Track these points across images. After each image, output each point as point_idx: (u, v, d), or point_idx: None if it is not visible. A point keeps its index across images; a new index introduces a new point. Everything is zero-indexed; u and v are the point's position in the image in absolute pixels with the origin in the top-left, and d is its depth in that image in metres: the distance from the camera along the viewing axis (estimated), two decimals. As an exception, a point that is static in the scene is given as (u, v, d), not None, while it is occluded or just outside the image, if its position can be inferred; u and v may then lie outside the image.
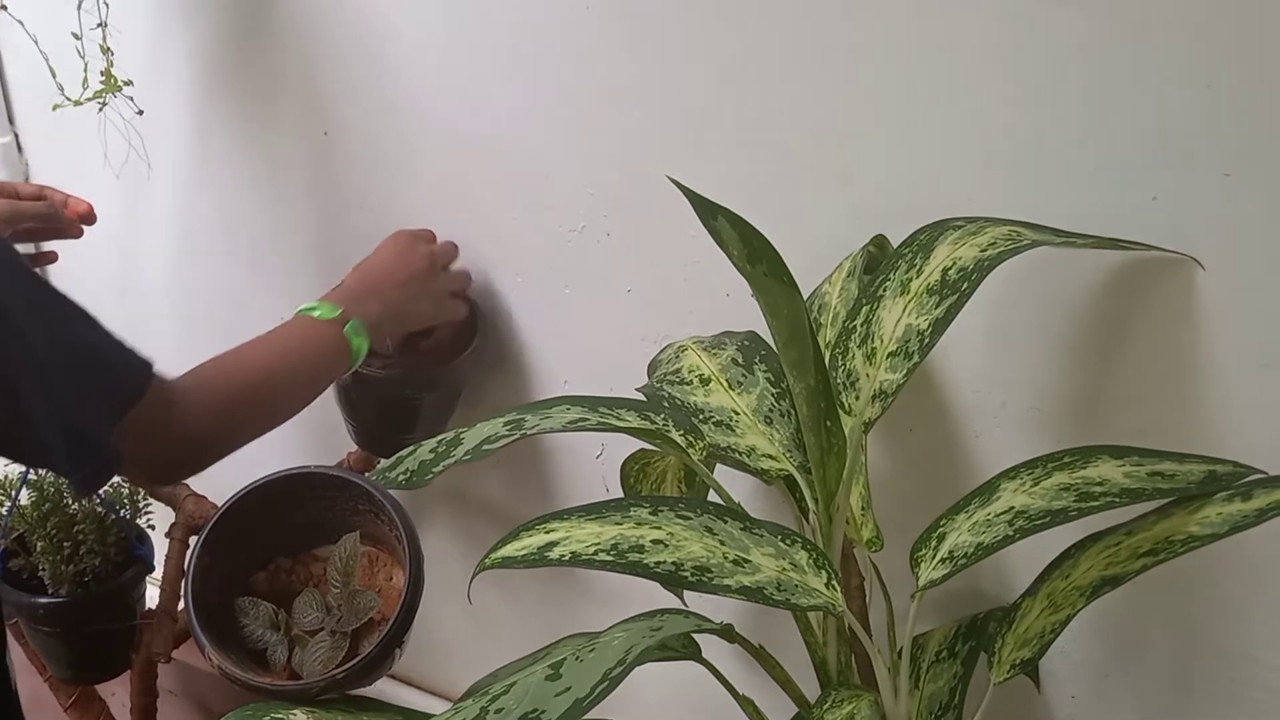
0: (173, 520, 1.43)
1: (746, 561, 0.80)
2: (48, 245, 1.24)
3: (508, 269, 1.31)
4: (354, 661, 1.15)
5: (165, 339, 1.66)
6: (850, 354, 0.90)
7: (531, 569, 0.81)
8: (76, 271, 1.44)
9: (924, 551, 0.87)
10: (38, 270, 0.97)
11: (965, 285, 0.85)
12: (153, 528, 1.46)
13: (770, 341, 0.86)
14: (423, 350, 1.29)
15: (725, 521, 0.83)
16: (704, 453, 0.91)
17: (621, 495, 1.09)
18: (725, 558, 0.79)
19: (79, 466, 0.85)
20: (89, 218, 1.21)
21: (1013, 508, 0.85)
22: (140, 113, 1.43)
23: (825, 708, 0.83)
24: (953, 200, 0.97)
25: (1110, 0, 0.87)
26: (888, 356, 0.88)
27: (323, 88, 1.36)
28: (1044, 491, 0.85)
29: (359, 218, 1.33)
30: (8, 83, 1.69)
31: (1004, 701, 0.93)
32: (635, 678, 0.71)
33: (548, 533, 0.82)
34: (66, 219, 1.19)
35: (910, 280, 0.89)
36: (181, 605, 1.35)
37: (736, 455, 0.93)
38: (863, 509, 0.99)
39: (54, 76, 1.38)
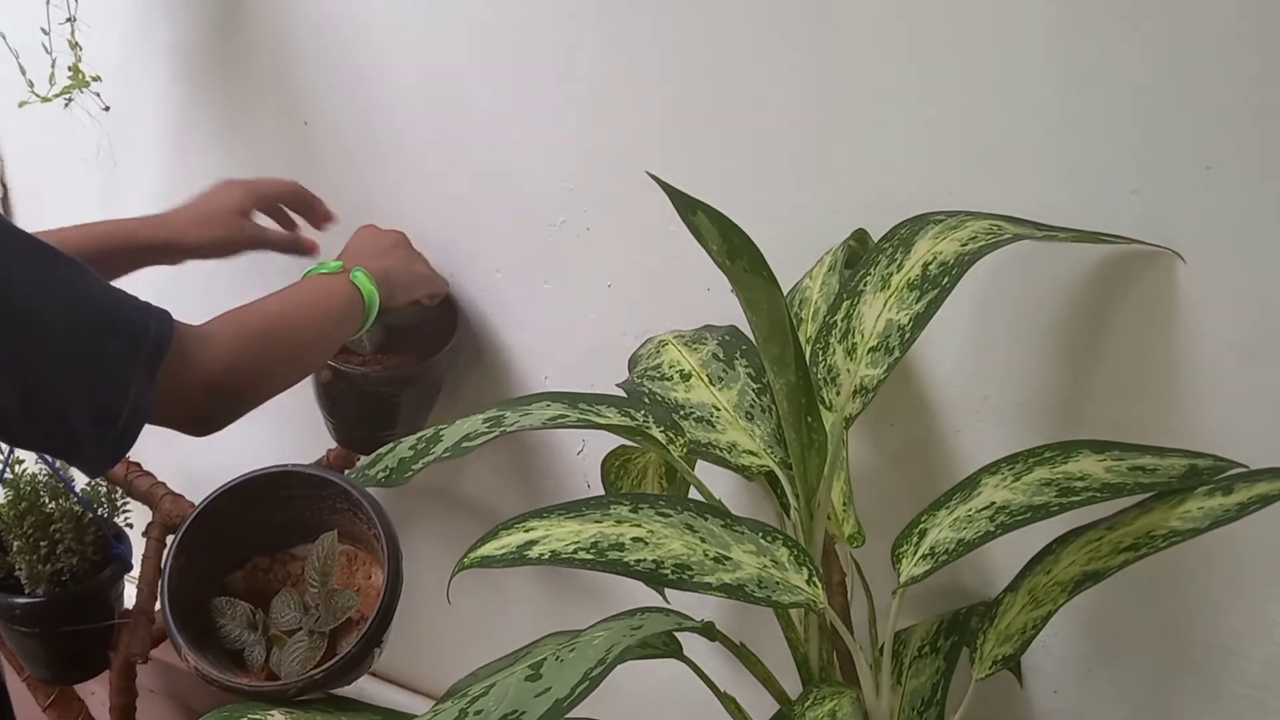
0: (150, 519, 1.42)
1: (727, 559, 0.79)
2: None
3: (487, 264, 1.30)
4: (332, 661, 1.15)
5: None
6: (831, 349, 0.90)
7: (512, 567, 0.81)
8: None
9: (905, 548, 0.86)
10: None
11: (946, 280, 0.85)
12: (130, 526, 1.45)
13: (751, 336, 0.86)
14: (402, 347, 1.28)
15: (706, 519, 0.82)
16: (684, 449, 0.90)
17: (603, 492, 1.08)
18: (706, 555, 0.79)
19: (103, 436, 0.83)
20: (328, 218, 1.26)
21: (994, 503, 0.85)
22: (106, 109, 1.41)
23: (807, 705, 0.83)
24: (933, 194, 0.97)
25: (1090, -7, 0.87)
26: (868, 352, 0.88)
27: (301, 83, 1.35)
28: (1025, 487, 0.85)
29: (338, 212, 1.31)
30: (-20, 78, 1.67)
31: (986, 697, 0.92)
32: (616, 676, 0.71)
33: (527, 531, 0.81)
34: (319, 207, 1.25)
35: (891, 275, 0.88)
36: (158, 605, 1.34)
37: (717, 451, 0.93)
38: (844, 505, 0.99)
39: (23, 73, 1.36)
